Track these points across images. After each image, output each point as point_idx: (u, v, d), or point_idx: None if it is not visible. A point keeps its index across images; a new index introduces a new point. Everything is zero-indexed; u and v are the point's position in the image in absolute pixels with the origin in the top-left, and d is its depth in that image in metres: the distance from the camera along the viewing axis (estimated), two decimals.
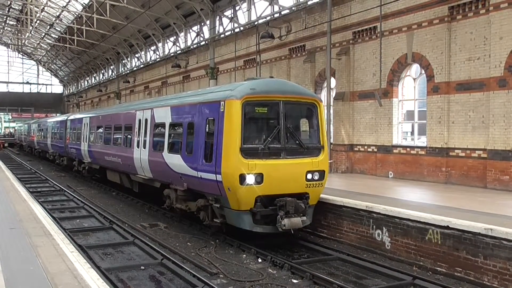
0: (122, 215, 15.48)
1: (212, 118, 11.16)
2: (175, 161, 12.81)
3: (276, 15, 25.09)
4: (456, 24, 15.55)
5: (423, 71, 17.07)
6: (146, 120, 15.41)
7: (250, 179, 10.33)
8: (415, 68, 17.92)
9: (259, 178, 10.43)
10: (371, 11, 17.94)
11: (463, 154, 15.37)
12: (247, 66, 27.85)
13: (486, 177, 14.51)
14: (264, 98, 10.91)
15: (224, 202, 10.90)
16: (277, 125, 10.89)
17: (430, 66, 16.35)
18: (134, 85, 46.67)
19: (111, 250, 11.27)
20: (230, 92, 10.83)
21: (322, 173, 11.31)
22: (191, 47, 34.84)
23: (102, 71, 58.61)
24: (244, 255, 10.77)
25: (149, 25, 38.40)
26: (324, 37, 20.44)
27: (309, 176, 11.08)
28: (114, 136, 18.92)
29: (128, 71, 48.28)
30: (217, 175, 10.63)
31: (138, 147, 15.81)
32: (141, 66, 44.68)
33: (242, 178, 10.28)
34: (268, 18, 25.45)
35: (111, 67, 54.91)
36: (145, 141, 15.23)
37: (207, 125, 11.40)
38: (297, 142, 11.10)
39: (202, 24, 33.08)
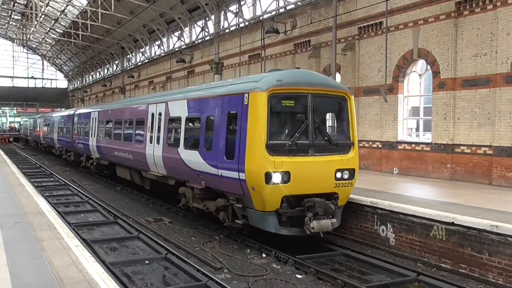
0: (126, 210, 15.51)
1: (234, 112, 10.41)
2: (192, 157, 12.13)
3: (281, 10, 24.99)
4: (463, 20, 15.43)
5: (429, 67, 16.97)
6: (159, 114, 14.73)
7: (277, 177, 9.68)
8: (420, 64, 17.82)
9: (286, 177, 9.78)
10: (377, 6, 17.83)
11: (469, 151, 15.29)
12: (252, 62, 27.78)
13: (491, 174, 14.44)
14: (291, 91, 10.18)
15: (247, 202, 10.26)
16: (305, 120, 10.20)
17: (436, 62, 16.25)
18: (139, 80, 46.69)
19: (116, 244, 11.30)
20: (255, 84, 10.08)
21: (352, 172, 10.62)
22: (196, 42, 34.77)
23: (107, 66, 58.62)
24: (248, 250, 10.77)
25: (153, 20, 38.35)
26: (329, 32, 20.35)
27: (338, 174, 10.43)
28: (125, 131, 18.25)
29: (132, 66, 48.28)
30: (240, 173, 9.98)
31: (151, 142, 15.10)
32: (146, 61, 44.66)
33: (268, 177, 9.63)
34: (273, 13, 25.36)
35: (116, 62, 54.91)
36: (158, 136, 14.52)
37: (229, 120, 10.62)
38: (325, 138, 10.42)
39: (207, 19, 33.00)
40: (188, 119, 12.87)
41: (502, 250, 8.40)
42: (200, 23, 34.49)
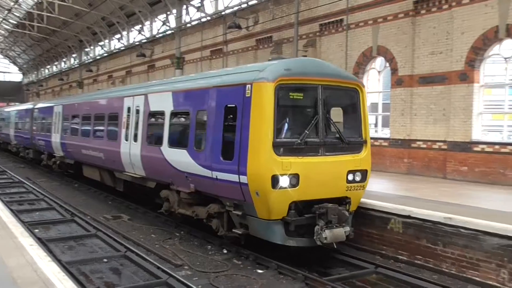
0: (84, 207, 15.14)
1: (233, 106, 9.19)
2: (178, 157, 10.89)
3: (243, 5, 24.95)
4: (421, 19, 15.82)
5: (387, 64, 17.32)
6: (137, 108, 13.28)
7: (284, 181, 8.54)
8: (380, 61, 18.18)
9: (295, 180, 8.65)
10: (338, 3, 18.04)
11: (425, 146, 15.73)
12: (214, 57, 27.65)
13: (446, 168, 14.90)
14: (301, 81, 9.01)
15: (248, 209, 9.05)
16: (315, 115, 9.01)
17: (394, 59, 16.61)
18: (98, 74, 45.65)
19: (73, 243, 11.03)
20: (259, 73, 8.86)
21: (364, 173, 9.57)
22: (157, 36, 34.30)
23: (64, 59, 57.05)
24: (209, 246, 10.72)
25: (113, 12, 37.53)
26: (291, 28, 20.48)
27: (350, 177, 9.35)
28: (95, 127, 16.58)
29: (91, 60, 47.16)
30: (240, 176, 8.78)
31: (126, 140, 13.67)
32: (105, 54, 43.73)
33: (274, 180, 8.46)
34: (236, 8, 25.29)
35: (73, 55, 53.52)
36: (136, 133, 13.13)
37: (226, 114, 9.39)
38: (337, 135, 9.28)
39: (168, 13, 32.57)
40: (174, 114, 11.55)
41: (455, 241, 8.68)
42: (161, 17, 34.01)
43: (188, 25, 30.39)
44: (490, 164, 13.86)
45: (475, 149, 14.20)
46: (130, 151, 13.37)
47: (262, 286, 8.33)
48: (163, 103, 11.96)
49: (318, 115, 9.01)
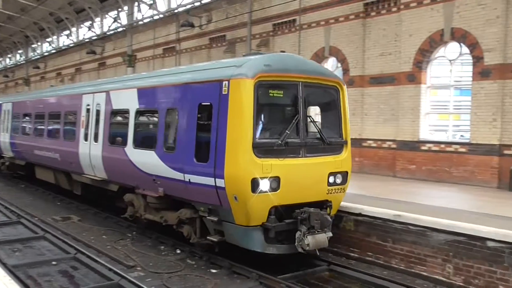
0: (31, 209, 14.58)
1: (207, 104, 8.59)
2: (145, 159, 10.20)
3: (196, 4, 24.79)
4: (371, 21, 16.25)
5: (339, 65, 17.67)
6: (98, 106, 12.48)
7: (265, 184, 8.02)
8: (331, 62, 18.51)
9: (275, 184, 8.15)
10: (291, 4, 18.24)
11: (375, 145, 16.17)
12: (167, 55, 27.36)
13: (395, 167, 15.38)
14: (281, 78, 8.49)
15: (224, 214, 8.48)
16: (296, 114, 8.57)
17: (346, 60, 16.98)
18: (45, 71, 44.16)
19: (19, 245, 10.59)
20: (236, 68, 8.29)
21: (345, 175, 9.17)
22: (108, 33, 33.55)
23: (9, 55, 54.80)
24: (163, 247, 10.58)
25: (62, 8, 36.39)
26: (244, 28, 20.54)
27: (331, 179, 8.93)
28: (49, 126, 15.67)
29: (38, 56, 45.54)
30: (216, 180, 8.19)
31: (86, 140, 12.86)
32: (53, 51, 42.36)
33: (255, 184, 7.94)
34: (189, 6, 25.10)
35: (19, 51, 51.49)
36: (96, 132, 12.32)
37: (200, 113, 8.80)
38: (318, 136, 8.85)
39: (120, 9, 31.94)
40: (140, 112, 10.90)
41: (404, 238, 8.96)
42: (112, 13, 33.30)
43: (140, 22, 29.91)
44: (436, 163, 14.42)
45: (423, 148, 14.74)
46: (90, 152, 12.61)
47: (215, 285, 8.30)
48: (128, 101, 11.21)
49: (298, 114, 8.57)
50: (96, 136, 12.36)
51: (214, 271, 9.04)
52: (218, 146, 8.19)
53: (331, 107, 9.43)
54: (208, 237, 9.01)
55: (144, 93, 10.80)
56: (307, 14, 18.32)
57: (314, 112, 9.23)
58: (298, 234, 8.24)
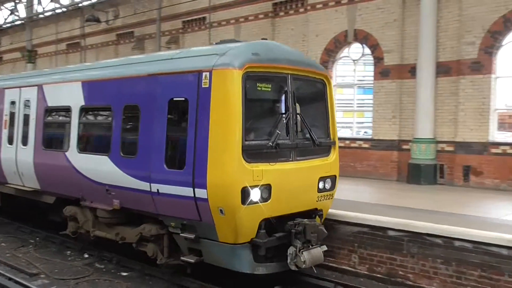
0: None
1: (181, 99, 7.23)
2: (95, 165, 8.68)
3: None
4: (279, 20, 16.65)
5: None
6: (27, 103, 10.80)
7: (256, 194, 6.79)
8: None
9: (266, 193, 6.95)
10: (201, 1, 18.19)
11: None
12: (71, 51, 26.16)
13: None
14: (270, 70, 7.27)
15: (204, 231, 7.10)
16: (286, 111, 7.43)
17: None
18: None
19: None
20: (219, 57, 6.95)
21: (333, 180, 8.18)
22: (4, 26, 31.35)
23: None
24: (69, 252, 10.09)
25: None
26: (153, 24, 20.16)
27: (321, 184, 7.91)
28: None
29: None
30: (196, 190, 6.87)
31: (10, 143, 11.13)
32: None
33: (245, 194, 6.69)
34: (94, 0, 24.11)
35: None
36: (25, 135, 10.63)
37: (171, 110, 7.41)
38: (308, 136, 7.73)
39: (17, 1, 29.93)
40: (86, 110, 9.29)
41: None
42: (9, 5, 31.12)
43: (41, 15, 28.25)
44: (342, 158, 14.92)
45: None
46: (17, 157, 10.84)
47: None
48: (69, 96, 9.55)
49: (289, 111, 7.41)
50: (25, 139, 10.66)
51: (125, 274, 8.79)
52: (197, 149, 6.88)
53: (319, 103, 8.33)
54: (182, 258, 7.51)
55: (91, 87, 9.21)
56: (217, 12, 18.36)
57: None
58: (291, 250, 7.13)
